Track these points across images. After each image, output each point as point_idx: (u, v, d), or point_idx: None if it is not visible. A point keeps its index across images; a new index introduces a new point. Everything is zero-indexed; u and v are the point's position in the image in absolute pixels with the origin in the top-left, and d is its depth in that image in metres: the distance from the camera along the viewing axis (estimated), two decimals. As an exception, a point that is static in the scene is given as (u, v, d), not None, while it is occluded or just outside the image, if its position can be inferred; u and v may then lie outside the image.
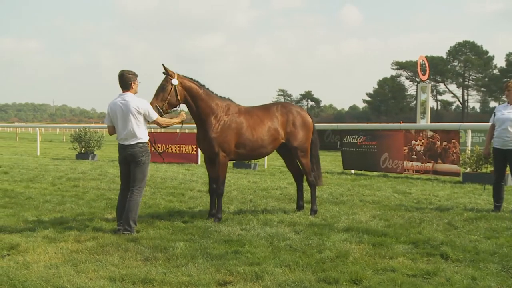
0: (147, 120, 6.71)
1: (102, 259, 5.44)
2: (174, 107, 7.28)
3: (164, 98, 7.08)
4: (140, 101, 6.64)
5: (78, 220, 7.53)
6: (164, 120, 6.89)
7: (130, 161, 6.67)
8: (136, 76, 6.77)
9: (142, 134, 6.63)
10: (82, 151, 19.48)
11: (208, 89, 7.63)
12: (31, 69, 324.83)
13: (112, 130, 6.87)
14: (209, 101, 7.50)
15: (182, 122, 7.33)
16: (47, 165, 16.43)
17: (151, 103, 6.94)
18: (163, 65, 7.21)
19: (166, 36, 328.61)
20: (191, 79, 7.50)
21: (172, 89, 7.14)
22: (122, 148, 6.72)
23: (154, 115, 6.70)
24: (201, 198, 9.72)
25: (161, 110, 7.01)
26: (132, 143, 6.61)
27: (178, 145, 17.94)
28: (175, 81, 7.17)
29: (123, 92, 6.69)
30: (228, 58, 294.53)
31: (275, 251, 5.78)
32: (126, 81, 6.66)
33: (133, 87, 6.70)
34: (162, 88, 7.12)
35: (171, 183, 11.99)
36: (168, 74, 7.20)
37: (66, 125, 54.09)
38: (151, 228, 7.01)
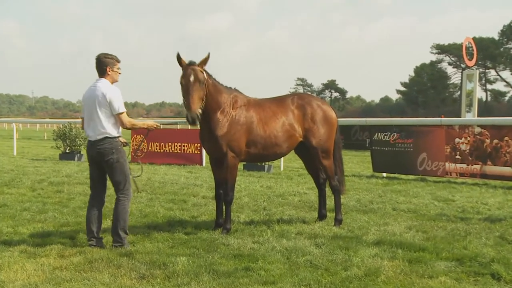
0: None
1: (90, 277, 5.48)
2: None
3: (202, 97, 7.06)
4: (110, 88, 6.54)
5: (62, 231, 7.59)
6: (130, 120, 6.65)
7: (100, 161, 6.61)
8: (117, 61, 6.70)
9: (110, 128, 6.53)
10: (67, 151, 19.61)
11: (215, 79, 7.63)
12: (6, 55, 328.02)
13: (83, 123, 6.83)
14: (216, 94, 7.49)
15: (149, 129, 7.02)
16: (26, 167, 16.58)
17: (194, 104, 6.86)
18: (207, 54, 7.09)
19: (166, 20, 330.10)
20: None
21: (205, 84, 7.13)
22: (90, 145, 6.67)
23: (119, 108, 6.49)
24: (206, 205, 9.76)
25: (199, 113, 6.97)
26: (98, 138, 6.54)
27: (179, 144, 18.00)
28: (205, 75, 7.15)
29: (99, 78, 6.66)
30: (236, 42, 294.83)
31: (293, 268, 5.79)
32: (100, 65, 6.61)
33: (109, 73, 6.62)
34: (200, 84, 7.02)
35: (171, 188, 12.05)
36: (199, 65, 7.08)
37: (47, 120, 54.35)
38: (147, 240, 7.05)
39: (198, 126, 7.26)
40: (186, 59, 7.15)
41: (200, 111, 7.01)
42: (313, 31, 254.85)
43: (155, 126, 7.02)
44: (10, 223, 8.10)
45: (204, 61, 7.18)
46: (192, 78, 7.00)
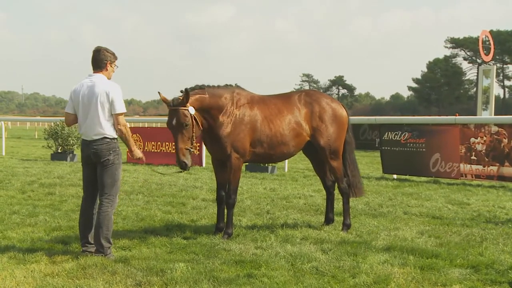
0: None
1: (83, 284, 5.49)
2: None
3: (189, 137, 7.11)
4: (112, 85, 6.52)
5: (54, 236, 7.61)
6: (124, 121, 6.57)
7: (95, 161, 6.59)
8: (115, 58, 6.72)
9: (109, 128, 6.51)
10: (59, 150, 19.64)
11: (208, 86, 7.63)
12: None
13: (70, 119, 6.77)
14: (216, 101, 7.51)
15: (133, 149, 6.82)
16: (15, 168, 16.63)
17: (181, 150, 7.00)
18: (184, 90, 7.08)
19: (163, 8, 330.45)
20: (193, 89, 7.40)
21: (193, 122, 7.16)
22: (85, 145, 6.65)
23: (119, 108, 6.46)
24: (206, 208, 9.78)
25: (192, 150, 7.10)
26: (95, 138, 6.51)
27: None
28: (192, 110, 7.14)
29: (94, 72, 6.63)
30: (239, 35, 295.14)
31: (298, 275, 5.80)
32: (101, 59, 6.58)
33: (108, 69, 6.62)
34: (183, 126, 7.04)
35: (169, 190, 12.07)
36: (181, 104, 7.08)
37: (38, 118, 54.50)
38: (144, 245, 7.06)
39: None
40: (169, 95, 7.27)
41: (188, 157, 7.07)
42: (321, 22, 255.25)
43: (139, 157, 6.86)
44: (-2, 227, 8.13)
45: (184, 101, 7.09)
46: (174, 123, 7.10)
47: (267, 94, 8.31)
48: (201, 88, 7.52)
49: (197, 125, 7.23)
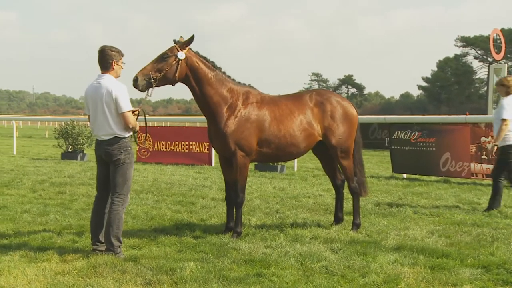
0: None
1: (93, 282, 5.52)
2: (167, 84, 7.43)
3: (161, 69, 7.21)
4: (116, 84, 6.55)
5: (64, 234, 7.65)
6: (134, 120, 6.62)
7: (107, 161, 6.65)
8: (121, 55, 6.74)
9: (119, 127, 6.55)
10: (69, 150, 19.73)
11: (224, 72, 7.70)
12: (4, 48, 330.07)
13: (90, 120, 6.84)
14: (220, 87, 7.56)
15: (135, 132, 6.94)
16: (26, 167, 16.71)
17: (144, 69, 7.12)
18: (192, 36, 7.41)
19: (171, 7, 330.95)
20: (205, 58, 7.61)
21: (174, 62, 7.28)
22: (97, 145, 6.72)
23: (125, 107, 6.51)
24: (216, 208, 9.79)
25: (152, 80, 7.12)
26: (106, 138, 6.57)
27: (187, 142, 18.05)
28: (181, 55, 7.30)
29: (102, 73, 6.67)
30: (247, 34, 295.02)
31: (308, 274, 5.80)
32: (106, 59, 6.62)
33: (114, 68, 6.65)
34: (162, 58, 7.27)
35: (179, 189, 12.10)
36: (180, 44, 7.33)
37: (49, 117, 54.76)
38: (154, 244, 7.09)
39: (145, 93, 7.30)
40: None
41: (143, 82, 7.10)
42: (330, 21, 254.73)
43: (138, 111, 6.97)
44: (10, 225, 8.17)
45: (185, 42, 7.40)
46: (162, 52, 7.34)
47: (278, 95, 8.32)
48: (216, 67, 7.66)
49: (175, 69, 7.30)
